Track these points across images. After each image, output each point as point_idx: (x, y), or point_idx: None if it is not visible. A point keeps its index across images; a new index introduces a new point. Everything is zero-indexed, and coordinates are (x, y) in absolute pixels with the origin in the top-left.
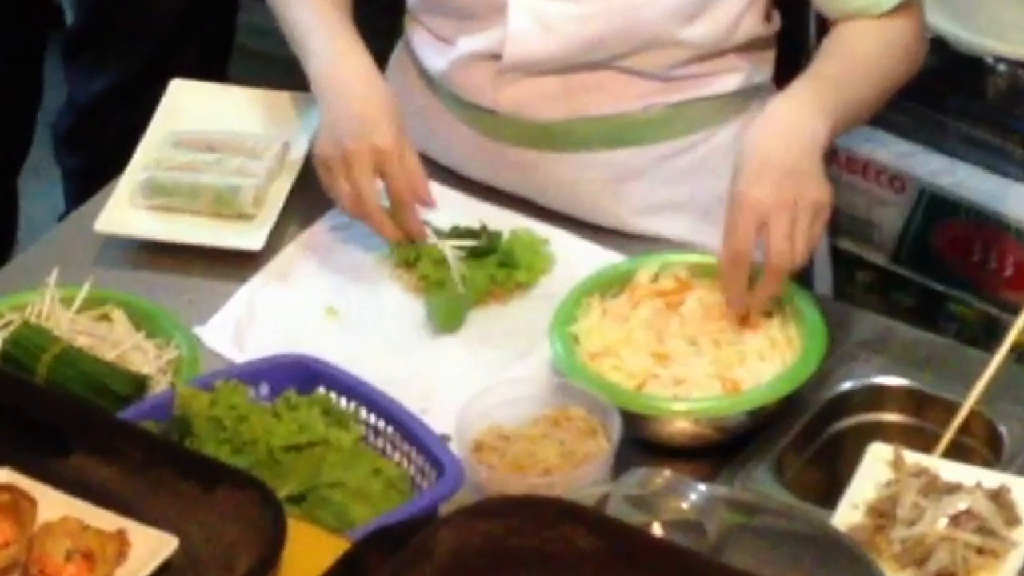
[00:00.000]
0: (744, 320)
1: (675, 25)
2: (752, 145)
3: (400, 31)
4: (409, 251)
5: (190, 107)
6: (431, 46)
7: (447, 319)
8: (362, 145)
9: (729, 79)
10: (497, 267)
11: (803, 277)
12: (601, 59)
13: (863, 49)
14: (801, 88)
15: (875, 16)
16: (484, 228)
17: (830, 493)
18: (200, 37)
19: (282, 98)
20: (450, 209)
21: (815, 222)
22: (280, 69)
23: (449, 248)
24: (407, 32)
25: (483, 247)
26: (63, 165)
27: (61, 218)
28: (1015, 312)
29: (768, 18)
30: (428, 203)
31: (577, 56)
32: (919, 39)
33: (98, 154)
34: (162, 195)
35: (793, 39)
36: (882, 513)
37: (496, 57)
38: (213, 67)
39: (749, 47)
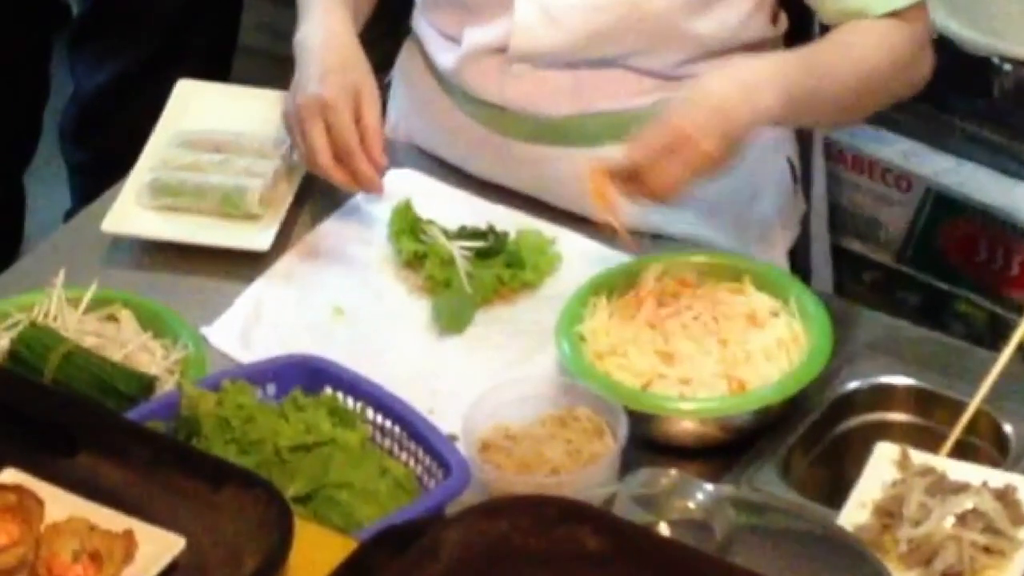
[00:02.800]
0: (751, 320)
1: (682, 19)
2: (705, 86)
3: (408, 30)
4: (416, 249)
5: (197, 107)
6: (439, 43)
7: (453, 320)
8: (309, 99)
9: None
10: (504, 267)
11: (805, 275)
12: (609, 55)
13: (857, 47)
14: (776, 61)
15: (873, 18)
16: (491, 228)
17: (836, 493)
18: (204, 30)
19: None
20: (457, 209)
21: (695, 173)
22: (287, 69)
23: (456, 248)
24: (415, 30)
25: (490, 247)
26: (69, 160)
27: (67, 213)
28: (1021, 311)
29: (775, 20)
30: (375, 159)
31: (584, 50)
32: (922, 48)
33: (104, 148)
34: (169, 195)
35: (799, 41)
36: (888, 512)
37: (503, 51)
38: (217, 61)
39: (756, 47)
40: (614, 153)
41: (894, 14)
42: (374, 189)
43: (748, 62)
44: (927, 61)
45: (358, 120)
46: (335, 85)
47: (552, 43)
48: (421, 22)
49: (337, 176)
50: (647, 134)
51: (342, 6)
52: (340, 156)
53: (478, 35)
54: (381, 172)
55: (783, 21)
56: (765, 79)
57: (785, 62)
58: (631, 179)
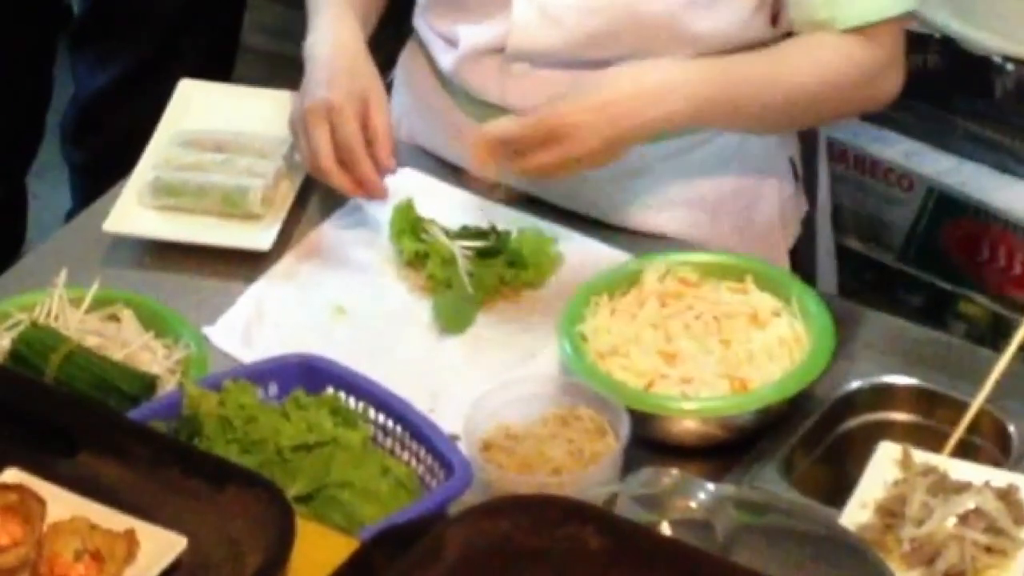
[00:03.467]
0: (753, 319)
1: (679, 19)
2: (608, 82)
3: (410, 30)
4: (417, 249)
5: (198, 107)
6: (439, 43)
7: (453, 320)
8: (316, 103)
9: None
10: (505, 267)
11: (808, 275)
12: (607, 56)
13: (791, 62)
14: (694, 67)
15: (838, 32)
16: (493, 228)
17: (838, 492)
18: (205, 30)
19: (290, 98)
20: (458, 209)
21: (574, 165)
22: (289, 69)
23: (458, 248)
24: (416, 30)
25: (492, 247)
26: (70, 161)
27: (68, 214)
28: (1023, 311)
29: (775, 21)
30: (382, 161)
31: (583, 49)
32: (887, 65)
33: (104, 149)
34: (170, 195)
35: None
36: (891, 512)
37: (501, 51)
38: (218, 61)
39: (756, 48)
40: (507, 122)
41: (858, 31)
42: (377, 194)
43: (663, 64)
44: (893, 79)
45: (366, 125)
46: (342, 89)
47: (550, 43)
48: (422, 23)
49: (339, 180)
50: (536, 117)
51: (351, 14)
52: (344, 159)
53: (475, 35)
54: (384, 174)
55: (783, 22)
56: (675, 85)
57: (703, 70)
58: (511, 150)
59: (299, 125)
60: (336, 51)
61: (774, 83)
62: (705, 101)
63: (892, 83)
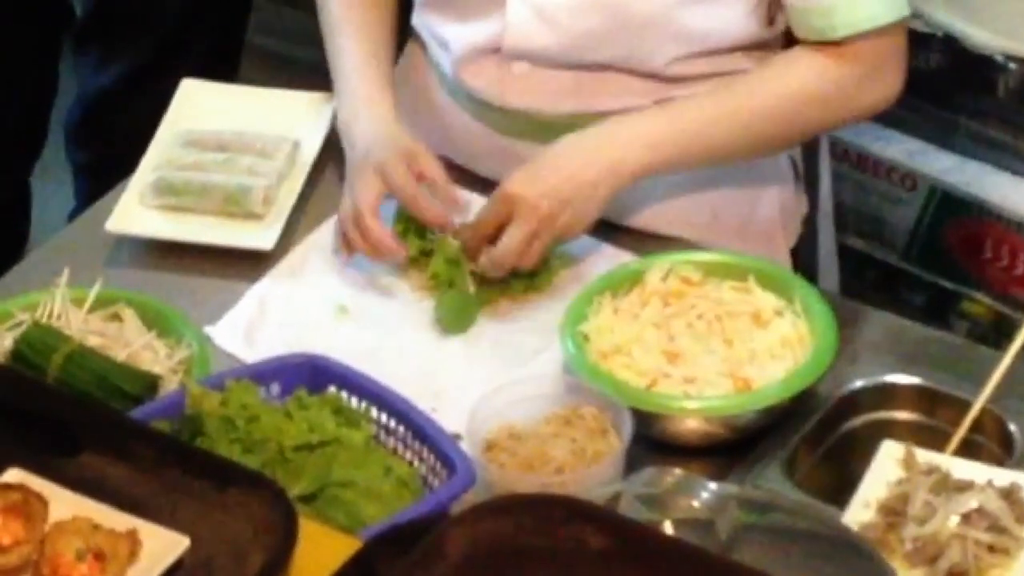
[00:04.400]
0: (756, 319)
1: (672, 17)
2: (554, 149)
3: (410, 30)
4: (423, 246)
5: (201, 106)
6: (437, 44)
7: (455, 321)
8: (347, 202)
9: None
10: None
11: (810, 274)
12: (605, 56)
13: (776, 83)
14: (645, 120)
15: (831, 42)
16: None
17: (841, 491)
18: (209, 31)
19: (293, 98)
20: (463, 208)
21: (555, 243)
22: (292, 69)
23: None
24: (416, 31)
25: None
26: (73, 161)
27: (71, 214)
28: None
29: (771, 21)
30: (452, 199)
31: (579, 50)
32: (868, 79)
33: (107, 148)
34: (172, 195)
35: (797, 42)
36: (893, 511)
37: (497, 50)
38: (224, 62)
39: (754, 47)
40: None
41: (835, 45)
42: (444, 224)
43: (617, 119)
44: (878, 90)
45: (418, 175)
46: (387, 150)
47: (545, 42)
48: (421, 23)
49: (370, 222)
50: (486, 206)
51: (387, 92)
52: (406, 203)
53: (472, 34)
54: (453, 211)
55: (781, 22)
56: (617, 136)
57: (660, 120)
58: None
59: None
60: (378, 125)
61: (736, 116)
62: (665, 144)
63: (877, 94)
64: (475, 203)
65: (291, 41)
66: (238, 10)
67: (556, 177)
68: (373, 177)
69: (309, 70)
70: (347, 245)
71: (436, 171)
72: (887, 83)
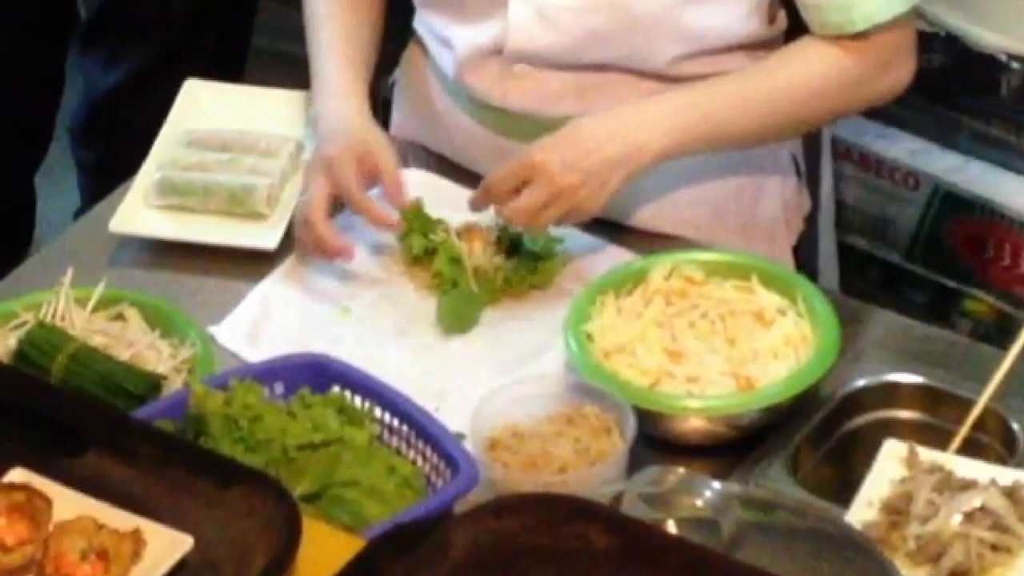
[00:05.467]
0: (759, 318)
1: (675, 16)
2: (579, 124)
3: (411, 32)
4: (427, 245)
5: (204, 106)
6: (439, 46)
7: (458, 320)
8: (312, 161)
9: None
10: (515, 268)
11: (810, 273)
12: (606, 58)
13: (791, 72)
14: (669, 102)
15: (826, 40)
16: (505, 228)
17: (844, 490)
18: (214, 31)
19: (296, 97)
20: (463, 208)
21: (565, 218)
22: (295, 69)
23: (466, 248)
24: (416, 33)
25: (511, 246)
26: (78, 160)
27: (76, 214)
28: None
29: (773, 19)
30: (393, 198)
31: (580, 51)
32: (881, 68)
33: (112, 148)
34: (176, 195)
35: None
36: (896, 510)
37: (499, 52)
38: (230, 62)
39: (755, 46)
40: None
41: (849, 37)
42: (390, 226)
43: (636, 103)
44: (890, 78)
45: (370, 170)
46: (338, 144)
47: (548, 43)
48: (422, 25)
49: (322, 231)
50: (507, 166)
51: (358, 87)
52: (350, 203)
53: (473, 36)
54: (397, 207)
55: (782, 20)
56: (649, 120)
57: (678, 104)
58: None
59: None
60: (339, 118)
61: (752, 100)
62: (683, 128)
63: (891, 82)
64: None
65: (296, 42)
66: (244, 11)
67: (580, 149)
68: (320, 175)
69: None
70: (299, 245)
71: (388, 164)
72: (900, 71)
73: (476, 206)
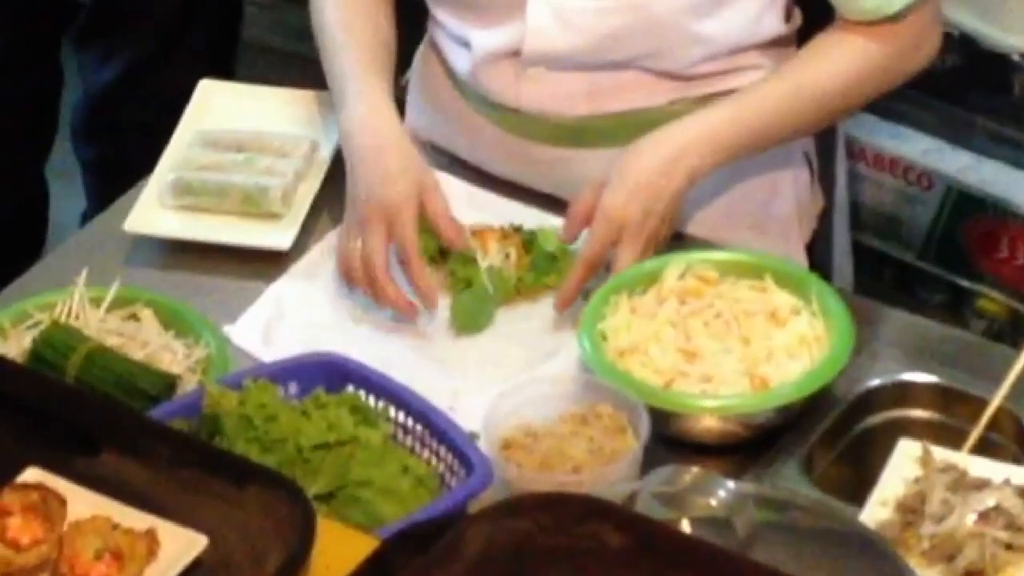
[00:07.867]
0: (773, 317)
1: (690, 20)
2: (642, 159)
3: (424, 32)
4: (440, 245)
5: (218, 107)
6: (453, 47)
7: (471, 320)
8: (351, 235)
9: (751, 76)
10: (530, 268)
11: (824, 272)
12: (622, 58)
13: (824, 67)
14: (705, 121)
15: (888, 17)
16: (519, 229)
17: (858, 490)
18: (205, 26)
19: (310, 97)
20: (476, 207)
21: (644, 251)
22: (303, 67)
23: (480, 247)
24: (430, 33)
25: (526, 246)
26: (81, 158)
27: (84, 214)
28: None
29: (788, 17)
30: (454, 242)
31: (598, 52)
32: (912, 47)
33: (114, 144)
34: (190, 195)
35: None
36: (911, 510)
37: (516, 54)
38: (220, 56)
39: (770, 45)
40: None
41: (874, 25)
42: (430, 304)
43: (673, 128)
44: (922, 52)
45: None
46: (400, 192)
47: (566, 46)
48: (436, 25)
49: (389, 292)
50: (593, 233)
51: (383, 93)
52: (403, 263)
53: (490, 38)
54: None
55: (797, 18)
56: (690, 143)
57: (714, 122)
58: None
59: (354, 229)
60: (380, 140)
61: (797, 103)
62: (721, 151)
63: (921, 59)
64: (491, 203)
65: (302, 39)
66: (234, 4)
67: (651, 192)
68: (381, 224)
69: (311, 68)
70: (350, 279)
71: (439, 206)
72: (930, 46)
73: (575, 292)
